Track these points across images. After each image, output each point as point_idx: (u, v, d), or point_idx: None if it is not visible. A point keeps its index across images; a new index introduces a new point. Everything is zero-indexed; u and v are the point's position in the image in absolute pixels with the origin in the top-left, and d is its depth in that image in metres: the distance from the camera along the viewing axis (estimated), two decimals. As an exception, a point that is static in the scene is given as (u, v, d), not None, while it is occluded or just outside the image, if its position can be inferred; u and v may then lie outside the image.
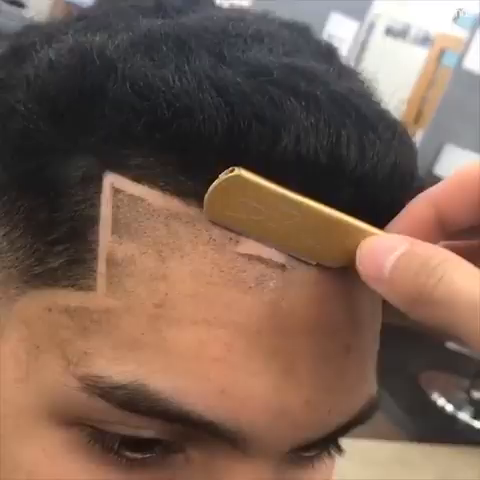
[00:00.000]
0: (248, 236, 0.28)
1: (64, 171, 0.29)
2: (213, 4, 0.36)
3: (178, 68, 0.28)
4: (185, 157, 0.28)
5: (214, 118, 0.27)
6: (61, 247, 0.29)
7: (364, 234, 0.28)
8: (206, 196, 0.28)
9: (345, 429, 0.33)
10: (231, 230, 0.28)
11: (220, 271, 0.28)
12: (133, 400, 0.28)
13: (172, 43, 0.29)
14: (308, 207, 0.28)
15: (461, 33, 4.58)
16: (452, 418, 2.98)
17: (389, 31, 6.44)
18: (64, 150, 0.29)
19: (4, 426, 0.31)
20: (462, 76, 4.24)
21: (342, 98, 0.29)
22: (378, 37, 6.18)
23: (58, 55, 0.30)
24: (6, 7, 3.82)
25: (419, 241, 0.27)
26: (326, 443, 0.34)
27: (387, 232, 0.29)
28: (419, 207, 0.29)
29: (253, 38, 0.31)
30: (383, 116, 0.31)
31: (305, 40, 0.34)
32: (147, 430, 0.29)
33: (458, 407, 3.00)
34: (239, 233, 0.28)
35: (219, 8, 0.36)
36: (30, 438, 0.31)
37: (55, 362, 0.29)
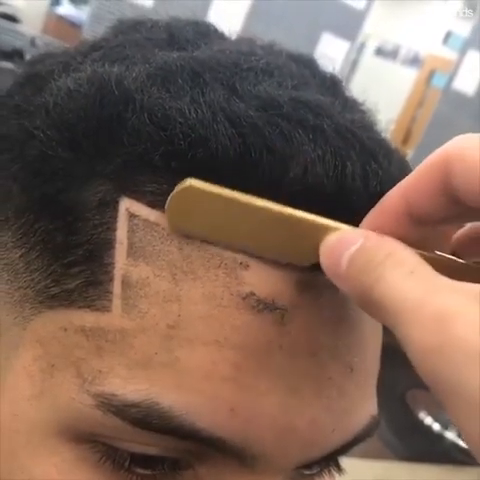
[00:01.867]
0: (213, 242, 0.29)
1: (81, 196, 0.30)
2: (223, 36, 0.38)
3: (193, 100, 0.29)
4: None
5: (227, 148, 0.28)
6: (77, 269, 0.30)
7: (328, 230, 0.28)
8: (165, 209, 0.29)
9: (347, 447, 0.34)
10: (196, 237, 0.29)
11: (230, 294, 0.29)
12: (146, 418, 0.29)
13: (187, 75, 0.31)
14: (262, 209, 0.29)
15: (451, 54, 4.63)
16: (439, 437, 2.98)
17: (379, 51, 6.49)
18: (81, 176, 0.30)
19: (16, 441, 0.32)
20: (451, 97, 4.28)
21: (346, 130, 0.31)
22: (368, 57, 6.23)
23: (77, 84, 0.31)
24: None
25: (373, 234, 0.27)
26: (328, 461, 0.35)
27: (361, 226, 0.29)
28: (390, 200, 0.29)
29: (263, 71, 0.32)
30: (383, 145, 0.33)
31: (311, 72, 0.36)
32: (157, 447, 0.30)
33: (445, 426, 3.01)
34: (204, 240, 0.29)
35: (228, 40, 0.37)
36: (42, 454, 0.31)
37: (70, 380, 0.30)
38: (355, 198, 0.30)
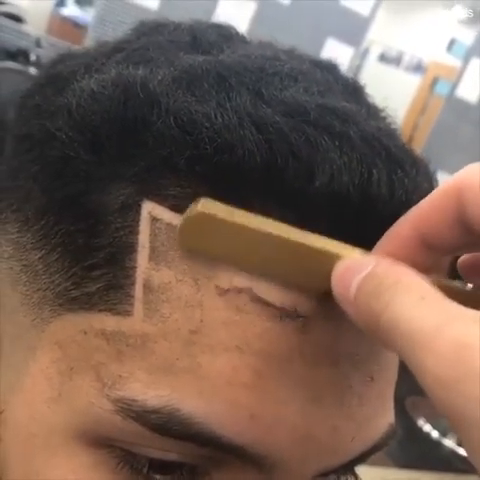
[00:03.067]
0: (225, 264, 0.29)
1: (103, 198, 0.30)
2: (245, 40, 0.38)
3: (219, 105, 0.29)
4: (222, 189, 0.29)
5: (254, 154, 0.28)
6: (99, 272, 0.30)
7: (340, 257, 0.28)
8: (177, 230, 0.29)
9: (365, 456, 0.34)
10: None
11: (252, 301, 0.29)
12: (167, 424, 0.29)
13: (213, 79, 0.30)
14: (272, 236, 0.28)
15: (454, 62, 4.64)
16: (437, 444, 2.97)
17: (383, 57, 6.50)
18: (104, 178, 0.30)
19: (32, 444, 0.32)
20: (454, 105, 4.28)
21: (372, 138, 0.31)
22: (371, 63, 6.24)
23: (100, 86, 0.31)
24: (4, 21, 3.83)
25: (383, 260, 0.27)
26: (345, 470, 0.35)
27: (373, 252, 0.29)
28: (402, 226, 0.28)
29: (288, 77, 0.32)
30: (409, 154, 0.32)
31: (334, 78, 0.35)
32: (175, 453, 0.30)
33: (443, 433, 3.00)
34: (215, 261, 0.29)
35: (250, 44, 0.37)
36: (59, 458, 0.31)
37: (89, 384, 0.30)
38: (381, 206, 0.29)
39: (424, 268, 0.27)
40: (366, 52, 5.57)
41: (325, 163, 0.29)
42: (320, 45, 4.03)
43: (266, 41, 0.39)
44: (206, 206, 0.28)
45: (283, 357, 0.29)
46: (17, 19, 3.99)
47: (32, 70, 2.93)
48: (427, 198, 0.28)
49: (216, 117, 0.29)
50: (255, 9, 3.98)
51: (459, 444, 2.94)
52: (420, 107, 5.20)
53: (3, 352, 0.35)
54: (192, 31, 0.36)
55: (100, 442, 0.31)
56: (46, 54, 3.55)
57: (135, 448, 0.30)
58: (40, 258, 0.32)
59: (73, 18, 4.89)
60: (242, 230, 0.28)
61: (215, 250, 0.29)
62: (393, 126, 0.36)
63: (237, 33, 0.38)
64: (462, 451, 2.92)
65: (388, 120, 0.36)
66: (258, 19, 3.88)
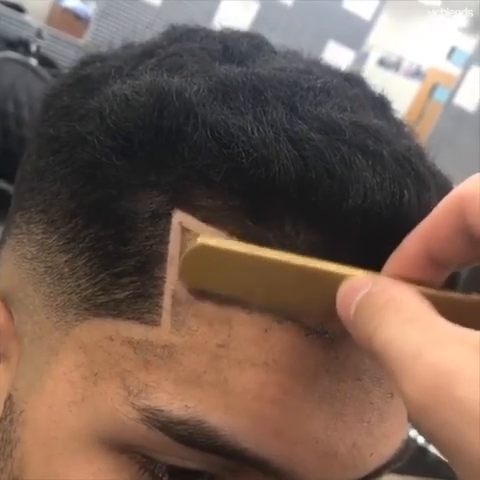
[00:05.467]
0: (229, 296, 0.29)
1: (134, 205, 0.30)
2: (274, 50, 0.38)
3: (256, 119, 0.29)
4: (256, 204, 0.29)
5: (289, 170, 0.28)
6: (127, 280, 0.30)
7: (345, 279, 0.28)
8: (179, 265, 0.29)
9: (380, 471, 0.34)
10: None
11: (280, 317, 0.29)
12: (192, 435, 0.29)
13: (248, 92, 0.30)
14: (275, 261, 0.28)
15: (454, 69, 4.65)
16: (423, 450, 2.98)
17: (382, 62, 6.52)
18: (135, 185, 0.30)
19: (52, 447, 0.32)
20: (452, 112, 4.30)
21: (403, 157, 0.31)
22: (371, 67, 6.25)
23: (134, 92, 0.31)
24: (5, 10, 3.82)
25: (382, 279, 0.27)
26: None
27: (382, 272, 0.28)
28: (410, 243, 0.28)
29: (321, 91, 0.32)
30: (437, 175, 0.33)
31: (363, 92, 0.35)
32: (197, 462, 0.30)
33: (428, 440, 3.01)
34: (219, 294, 0.29)
35: (279, 54, 0.37)
36: (79, 462, 0.31)
37: (114, 391, 0.30)
38: (411, 227, 0.29)
39: (432, 285, 0.27)
40: (365, 56, 5.57)
41: (358, 182, 0.29)
42: (321, 48, 4.03)
43: (292, 50, 0.39)
44: (206, 239, 0.28)
45: (309, 373, 0.29)
46: (18, 9, 3.97)
47: (33, 61, 2.92)
48: (432, 212, 0.28)
49: (253, 131, 0.29)
50: (257, 10, 3.98)
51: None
52: (418, 113, 5.21)
53: (23, 352, 0.35)
54: (223, 39, 0.36)
55: (121, 448, 0.31)
56: (47, 45, 3.54)
57: (156, 455, 0.30)
58: (66, 261, 0.32)
59: (74, 10, 4.87)
60: (244, 259, 0.28)
61: (218, 284, 0.29)
62: (420, 144, 0.36)
63: (267, 42, 0.38)
64: (447, 458, 2.92)
65: (413, 137, 0.37)
66: (259, 21, 3.88)
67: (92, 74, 0.35)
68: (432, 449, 2.93)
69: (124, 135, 0.30)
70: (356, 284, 0.27)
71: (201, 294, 0.29)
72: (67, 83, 0.36)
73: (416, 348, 0.22)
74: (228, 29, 0.39)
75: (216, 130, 0.29)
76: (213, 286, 0.29)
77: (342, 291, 0.27)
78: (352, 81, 0.36)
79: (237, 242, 0.28)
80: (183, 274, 0.29)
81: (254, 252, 0.28)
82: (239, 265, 0.28)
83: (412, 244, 0.28)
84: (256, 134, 0.29)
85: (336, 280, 0.28)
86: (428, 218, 0.28)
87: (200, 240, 0.28)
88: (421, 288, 0.26)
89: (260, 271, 0.28)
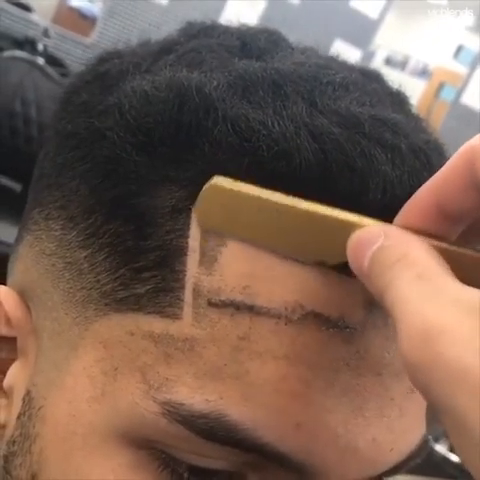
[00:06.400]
0: (241, 239, 0.29)
1: (154, 201, 0.30)
2: (291, 45, 0.38)
3: (276, 113, 0.29)
4: None
5: (310, 163, 0.28)
6: (148, 274, 0.30)
7: (355, 227, 0.28)
8: (193, 209, 0.29)
9: (399, 467, 0.34)
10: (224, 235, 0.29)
11: (302, 310, 0.29)
12: (213, 429, 0.29)
13: (268, 87, 0.31)
14: (287, 206, 0.28)
15: (461, 68, 4.64)
16: (429, 450, 2.97)
17: (388, 61, 6.50)
18: (155, 180, 0.30)
19: (72, 442, 0.32)
20: (459, 110, 4.30)
21: (420, 150, 0.31)
22: (377, 66, 6.24)
23: (154, 88, 0.31)
24: (12, 9, 3.82)
25: (394, 231, 0.27)
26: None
27: (394, 223, 0.28)
28: (421, 196, 0.28)
29: (340, 86, 0.32)
30: None
31: (381, 87, 0.35)
32: (216, 460, 0.30)
33: (435, 439, 3.00)
34: (232, 237, 0.29)
35: (297, 50, 0.37)
36: (98, 457, 0.31)
37: (134, 385, 0.30)
38: None
39: (445, 240, 0.27)
40: (372, 55, 5.56)
41: (378, 176, 0.29)
42: (328, 46, 4.02)
43: (309, 46, 0.39)
44: (220, 180, 0.28)
45: (330, 367, 0.29)
46: (25, 8, 3.97)
47: (40, 59, 2.92)
48: (443, 166, 0.28)
49: (273, 125, 0.29)
50: (263, 8, 3.97)
51: (451, 450, 2.94)
52: (425, 112, 5.19)
53: (42, 348, 0.35)
54: (241, 36, 0.36)
55: (141, 443, 0.31)
56: (54, 44, 3.54)
57: (175, 452, 0.30)
58: (86, 257, 0.32)
59: (81, 9, 4.87)
60: (257, 203, 0.28)
61: (234, 229, 0.29)
62: (438, 138, 0.36)
63: (284, 39, 0.38)
64: (454, 457, 2.92)
65: (429, 128, 0.37)
66: (266, 19, 3.87)
67: (110, 70, 0.35)
68: (438, 449, 2.93)
69: (144, 131, 0.30)
70: (368, 235, 0.27)
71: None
72: (85, 80, 0.37)
73: (418, 306, 0.22)
74: (245, 25, 0.39)
75: (237, 124, 0.29)
76: (229, 230, 0.29)
77: (353, 242, 0.28)
78: (370, 76, 0.36)
79: (251, 186, 0.28)
80: (200, 216, 0.29)
81: (266, 196, 0.28)
82: (252, 208, 0.28)
83: (424, 197, 0.28)
84: (277, 128, 0.29)
85: (347, 228, 0.28)
86: (439, 172, 0.28)
87: (214, 181, 0.28)
88: (433, 241, 0.26)
89: (272, 215, 0.28)
